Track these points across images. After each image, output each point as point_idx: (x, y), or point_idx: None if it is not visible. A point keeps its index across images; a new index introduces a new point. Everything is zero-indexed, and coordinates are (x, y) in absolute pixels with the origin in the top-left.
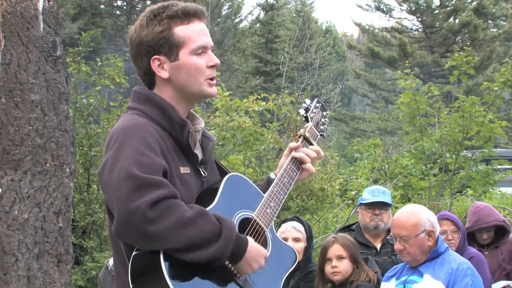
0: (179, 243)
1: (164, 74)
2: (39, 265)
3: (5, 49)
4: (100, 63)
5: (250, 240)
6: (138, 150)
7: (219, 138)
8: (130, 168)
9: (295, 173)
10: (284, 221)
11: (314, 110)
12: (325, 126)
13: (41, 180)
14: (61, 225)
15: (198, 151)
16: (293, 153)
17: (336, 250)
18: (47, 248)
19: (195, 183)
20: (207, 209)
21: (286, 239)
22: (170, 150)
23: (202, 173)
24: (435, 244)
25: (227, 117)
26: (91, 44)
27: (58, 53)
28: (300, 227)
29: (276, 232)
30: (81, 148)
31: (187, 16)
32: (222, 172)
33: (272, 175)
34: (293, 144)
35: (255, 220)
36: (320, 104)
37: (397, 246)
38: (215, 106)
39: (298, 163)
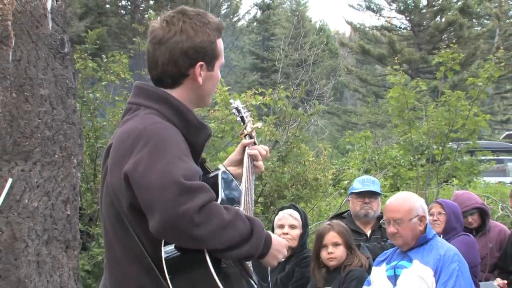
0: (220, 244)
1: (200, 80)
2: (48, 250)
3: (15, 46)
4: (105, 60)
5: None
6: (178, 155)
7: (218, 130)
8: (174, 173)
9: (252, 170)
10: (281, 209)
11: (243, 111)
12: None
13: (50, 170)
14: (69, 212)
15: None
16: (249, 151)
17: (332, 237)
18: (55, 234)
19: None
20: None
21: (282, 226)
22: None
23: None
24: (424, 231)
25: (226, 111)
26: (97, 41)
27: (66, 50)
28: (296, 214)
29: (273, 219)
30: (87, 140)
31: (221, 32)
32: None
33: (221, 167)
34: (245, 141)
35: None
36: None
37: (390, 229)
38: (214, 101)
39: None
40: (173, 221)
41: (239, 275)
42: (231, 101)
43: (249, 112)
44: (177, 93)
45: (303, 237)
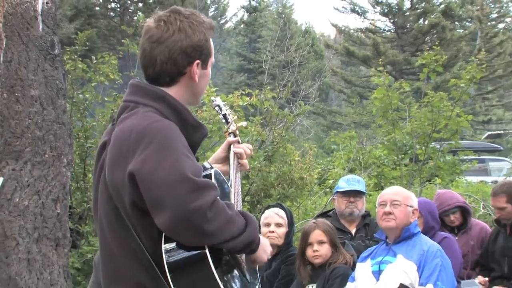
0: (224, 238)
1: (197, 78)
2: (38, 248)
3: (6, 47)
4: (95, 61)
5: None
6: (183, 152)
7: None
8: (184, 170)
9: (238, 168)
10: (268, 207)
11: (224, 108)
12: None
13: (40, 169)
14: (59, 211)
15: None
16: (234, 149)
17: (317, 235)
18: (45, 232)
19: None
20: None
21: (269, 224)
22: None
23: None
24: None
25: (213, 111)
26: (87, 43)
27: (56, 51)
28: (282, 213)
29: (260, 217)
30: (77, 140)
31: (213, 31)
32: None
33: (207, 164)
34: (231, 139)
35: None
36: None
37: (386, 209)
38: (202, 101)
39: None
40: (186, 217)
41: (236, 273)
42: (212, 98)
43: (231, 110)
44: (173, 91)
45: (288, 235)
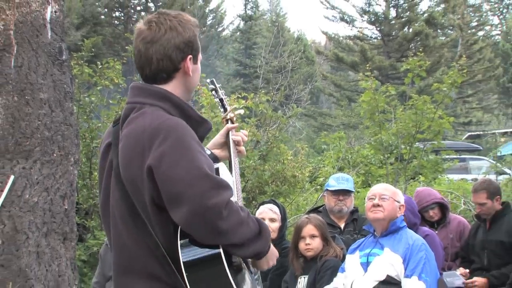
0: (235, 240)
1: (191, 72)
2: (47, 242)
3: (17, 53)
4: (100, 66)
5: None
6: (197, 149)
7: None
8: (202, 167)
9: (236, 154)
10: (262, 203)
11: (220, 92)
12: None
13: (49, 168)
14: (66, 207)
15: None
16: (233, 136)
17: (309, 229)
18: (54, 227)
19: None
20: None
21: (263, 219)
22: None
23: None
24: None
25: (211, 113)
26: (93, 49)
27: (63, 57)
28: (275, 209)
29: (254, 213)
30: (84, 140)
31: (198, 28)
32: None
33: (206, 150)
34: (230, 125)
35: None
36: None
37: (375, 201)
38: (201, 104)
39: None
40: (203, 212)
41: (244, 271)
42: (208, 80)
43: (226, 96)
44: (170, 88)
45: (282, 229)
